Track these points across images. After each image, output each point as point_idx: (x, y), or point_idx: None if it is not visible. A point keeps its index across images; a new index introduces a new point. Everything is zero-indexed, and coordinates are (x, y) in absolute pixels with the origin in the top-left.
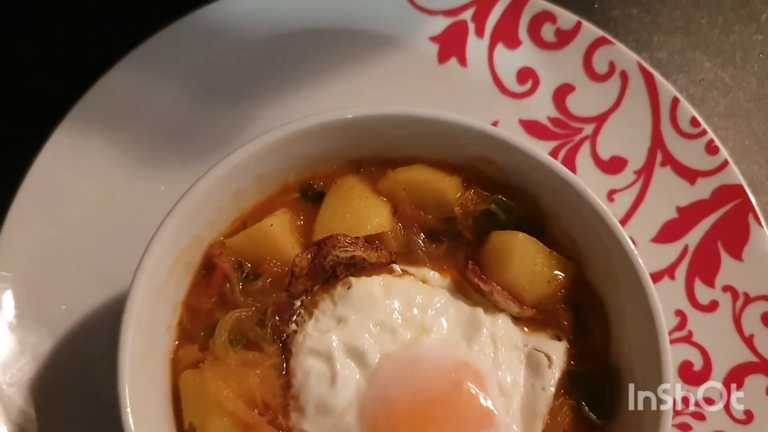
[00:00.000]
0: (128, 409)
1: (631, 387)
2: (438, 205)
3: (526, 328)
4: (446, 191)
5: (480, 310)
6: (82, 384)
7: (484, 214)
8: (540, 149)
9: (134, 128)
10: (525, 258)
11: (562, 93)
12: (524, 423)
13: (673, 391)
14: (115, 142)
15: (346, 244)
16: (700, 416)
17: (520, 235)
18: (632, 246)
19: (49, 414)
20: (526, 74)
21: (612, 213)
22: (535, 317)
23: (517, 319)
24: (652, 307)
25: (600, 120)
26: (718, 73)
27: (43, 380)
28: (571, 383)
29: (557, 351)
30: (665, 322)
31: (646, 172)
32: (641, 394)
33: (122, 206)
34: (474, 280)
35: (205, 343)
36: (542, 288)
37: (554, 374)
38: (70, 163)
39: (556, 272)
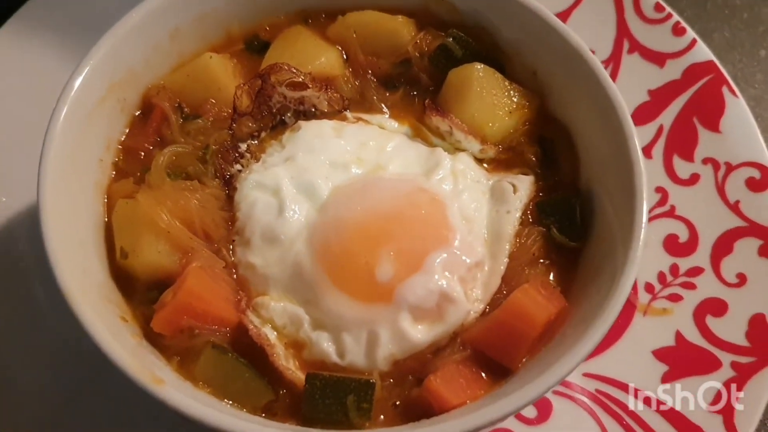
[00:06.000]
0: (48, 226)
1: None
2: (391, 47)
3: (488, 166)
4: (399, 31)
5: (440, 149)
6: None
7: (439, 50)
8: None
9: (76, 28)
10: (484, 88)
11: None
12: (489, 245)
13: (646, 205)
14: (57, 41)
15: (291, 74)
16: (690, 285)
17: (478, 65)
18: (594, 57)
19: None
20: None
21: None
22: (499, 157)
23: (480, 161)
24: (620, 117)
25: (563, 16)
26: None
27: None
28: (540, 211)
29: (523, 181)
30: (636, 136)
31: (614, 61)
32: (615, 212)
33: None
34: (432, 119)
35: (142, 178)
36: (504, 120)
37: (520, 198)
38: (13, 60)
39: (518, 102)
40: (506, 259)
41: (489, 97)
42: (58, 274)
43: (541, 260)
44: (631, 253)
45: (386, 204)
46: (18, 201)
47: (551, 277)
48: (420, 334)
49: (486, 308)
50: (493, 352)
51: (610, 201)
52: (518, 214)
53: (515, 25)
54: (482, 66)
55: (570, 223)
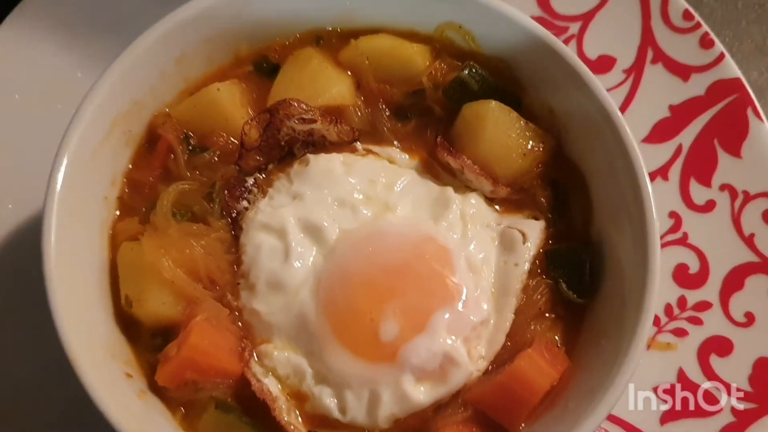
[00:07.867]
0: (52, 270)
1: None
2: (405, 76)
3: (498, 207)
4: (414, 59)
5: (450, 189)
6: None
7: (454, 83)
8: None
9: (77, 24)
10: (498, 128)
11: None
12: (495, 300)
13: (659, 269)
14: (59, 36)
15: (301, 110)
16: (696, 321)
17: (493, 103)
18: (614, 105)
19: None
20: None
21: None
22: (511, 198)
23: (491, 200)
24: (635, 166)
25: (586, 18)
26: None
27: None
28: (549, 262)
29: (533, 228)
30: (650, 184)
31: (636, 71)
32: (626, 267)
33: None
34: (443, 157)
35: (147, 216)
36: (517, 162)
37: (529, 250)
38: (15, 57)
39: (532, 144)
40: (512, 315)
41: (503, 138)
42: (62, 337)
43: (547, 314)
44: (640, 326)
45: (393, 256)
46: (25, 208)
47: (556, 335)
48: (422, 395)
49: (490, 366)
50: (494, 413)
51: (622, 254)
52: (526, 267)
53: (534, 59)
54: (497, 104)
55: (579, 278)
